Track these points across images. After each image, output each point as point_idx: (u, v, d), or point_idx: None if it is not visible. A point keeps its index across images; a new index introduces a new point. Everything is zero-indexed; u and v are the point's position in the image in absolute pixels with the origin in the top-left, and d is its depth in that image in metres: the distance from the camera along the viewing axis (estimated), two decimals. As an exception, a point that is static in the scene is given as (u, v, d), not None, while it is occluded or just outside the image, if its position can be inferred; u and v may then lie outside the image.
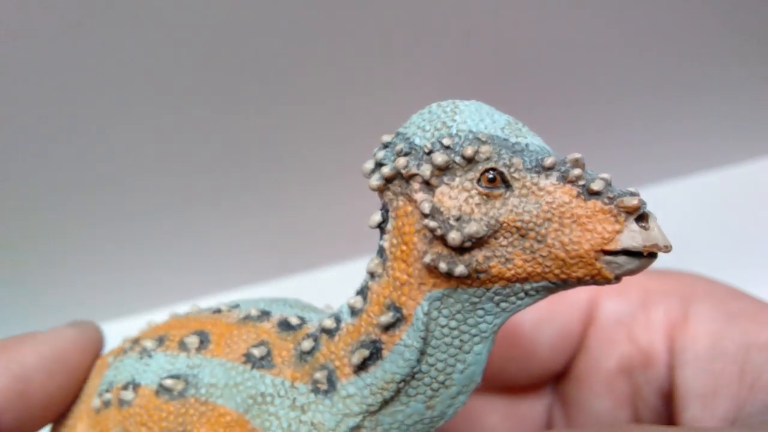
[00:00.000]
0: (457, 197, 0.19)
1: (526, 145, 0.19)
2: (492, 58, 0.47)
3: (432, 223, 0.19)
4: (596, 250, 0.18)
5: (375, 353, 0.20)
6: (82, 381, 0.26)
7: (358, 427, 0.20)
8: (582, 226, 0.18)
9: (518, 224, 0.18)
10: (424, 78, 0.47)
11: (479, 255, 0.19)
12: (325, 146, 0.49)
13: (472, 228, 0.18)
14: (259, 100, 0.46)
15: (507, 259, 0.19)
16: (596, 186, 0.18)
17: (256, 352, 0.22)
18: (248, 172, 0.50)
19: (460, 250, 0.19)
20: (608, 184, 0.18)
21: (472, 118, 0.19)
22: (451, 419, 0.32)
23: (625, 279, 0.19)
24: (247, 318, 0.23)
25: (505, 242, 0.19)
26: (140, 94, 0.43)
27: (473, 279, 0.19)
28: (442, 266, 0.19)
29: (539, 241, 0.18)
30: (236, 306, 0.24)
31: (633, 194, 0.18)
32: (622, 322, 0.29)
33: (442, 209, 0.19)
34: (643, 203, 0.18)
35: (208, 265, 0.55)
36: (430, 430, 0.21)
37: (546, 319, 0.29)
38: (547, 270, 0.19)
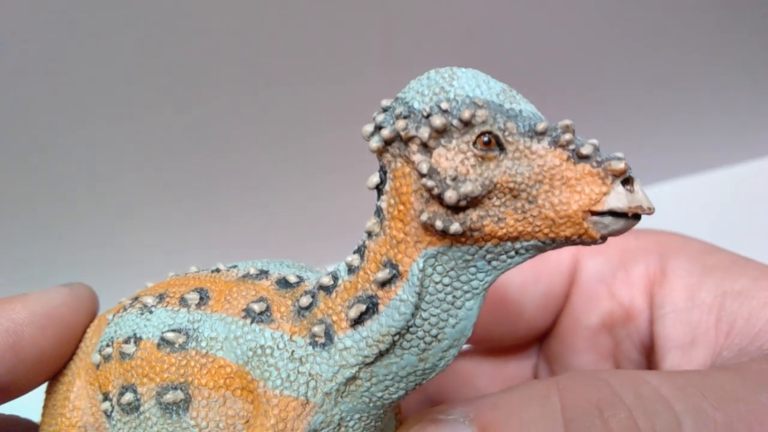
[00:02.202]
0: (453, 158, 0.19)
1: (520, 111, 0.20)
2: (495, 55, 0.47)
3: (429, 183, 0.19)
4: (584, 211, 0.19)
5: (371, 308, 0.21)
6: (75, 339, 0.26)
7: (354, 377, 0.21)
8: (571, 188, 0.19)
9: (511, 185, 0.19)
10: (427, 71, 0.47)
11: (473, 214, 0.20)
12: (326, 143, 0.49)
13: (468, 187, 0.19)
14: (261, 97, 0.46)
15: (500, 219, 0.20)
16: (585, 150, 0.19)
17: (256, 307, 0.22)
18: (250, 173, 0.50)
19: (456, 209, 0.20)
20: (596, 149, 0.19)
21: (469, 84, 0.20)
22: (442, 383, 0.33)
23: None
24: (246, 276, 0.24)
25: (498, 202, 0.19)
26: (146, 94, 0.43)
27: (467, 237, 0.20)
28: (438, 224, 0.20)
29: (530, 202, 0.19)
30: (234, 266, 0.25)
31: (620, 158, 0.19)
32: (603, 280, 0.30)
33: (439, 169, 0.19)
34: (629, 167, 0.19)
35: (208, 263, 0.55)
36: (422, 382, 0.22)
37: (531, 281, 0.30)
38: (537, 229, 0.19)
